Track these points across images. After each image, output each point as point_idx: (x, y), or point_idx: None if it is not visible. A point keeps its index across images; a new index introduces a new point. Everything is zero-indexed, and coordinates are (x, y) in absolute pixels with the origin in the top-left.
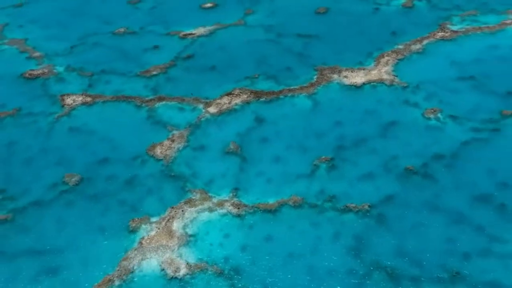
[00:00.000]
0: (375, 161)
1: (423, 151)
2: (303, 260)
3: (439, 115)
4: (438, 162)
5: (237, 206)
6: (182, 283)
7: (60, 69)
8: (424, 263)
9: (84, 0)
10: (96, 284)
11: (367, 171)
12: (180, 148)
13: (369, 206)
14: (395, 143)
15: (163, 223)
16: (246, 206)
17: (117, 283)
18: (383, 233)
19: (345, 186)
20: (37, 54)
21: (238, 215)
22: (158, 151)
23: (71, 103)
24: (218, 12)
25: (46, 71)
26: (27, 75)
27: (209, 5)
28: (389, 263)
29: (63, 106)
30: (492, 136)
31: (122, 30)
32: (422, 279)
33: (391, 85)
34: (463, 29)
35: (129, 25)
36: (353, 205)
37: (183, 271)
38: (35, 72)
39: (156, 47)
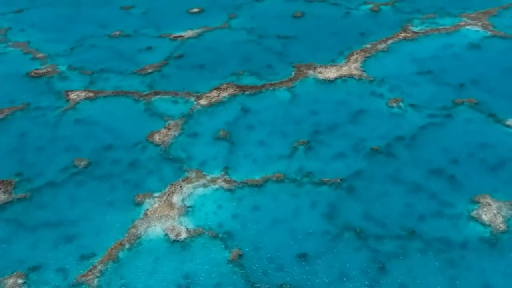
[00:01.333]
0: (346, 143)
1: (386, 134)
2: (285, 224)
3: (400, 104)
4: (400, 143)
5: (228, 182)
6: (183, 245)
7: (62, 68)
8: (387, 224)
9: (78, 6)
10: (109, 247)
11: (339, 151)
12: (176, 135)
13: (340, 179)
14: (363, 128)
15: (165, 197)
16: (235, 182)
17: (127, 246)
18: (352, 202)
19: (320, 164)
20: (40, 55)
21: (229, 190)
22: (156, 138)
23: (75, 98)
24: (204, 16)
25: (50, 70)
26: (32, 74)
27: (195, 10)
28: (357, 225)
29: (68, 100)
30: (445, 121)
31: (117, 33)
32: (385, 236)
33: (360, 79)
34: (423, 30)
35: (123, 28)
36: (327, 179)
37: (183, 235)
38: (39, 71)
39: (149, 48)
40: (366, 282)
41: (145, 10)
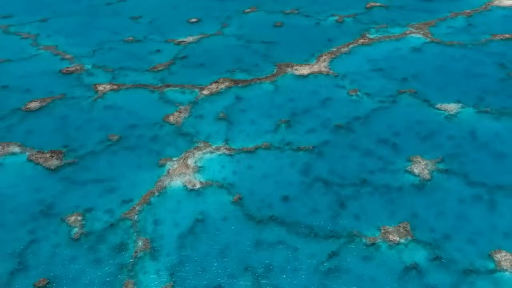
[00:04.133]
0: (316, 121)
1: (347, 114)
2: (272, 178)
3: (358, 93)
4: (357, 121)
5: (229, 149)
6: (198, 192)
7: (88, 66)
8: (346, 176)
9: (94, 16)
10: (143, 195)
11: (311, 127)
12: (186, 117)
13: (312, 147)
14: (329, 110)
15: (181, 160)
16: (234, 149)
17: (156, 193)
18: (321, 162)
19: (297, 136)
20: (68, 56)
21: (230, 155)
22: (171, 118)
23: (103, 90)
24: (201, 25)
25: (78, 68)
26: (64, 71)
27: (194, 20)
28: (325, 177)
29: (96, 91)
30: (391, 105)
31: (130, 38)
32: (344, 184)
33: (327, 75)
34: (377, 37)
35: (135, 35)
36: (303, 146)
37: (197, 186)
38: (70, 69)
39: (158, 50)
40: (331, 214)
41: (151, 19)
